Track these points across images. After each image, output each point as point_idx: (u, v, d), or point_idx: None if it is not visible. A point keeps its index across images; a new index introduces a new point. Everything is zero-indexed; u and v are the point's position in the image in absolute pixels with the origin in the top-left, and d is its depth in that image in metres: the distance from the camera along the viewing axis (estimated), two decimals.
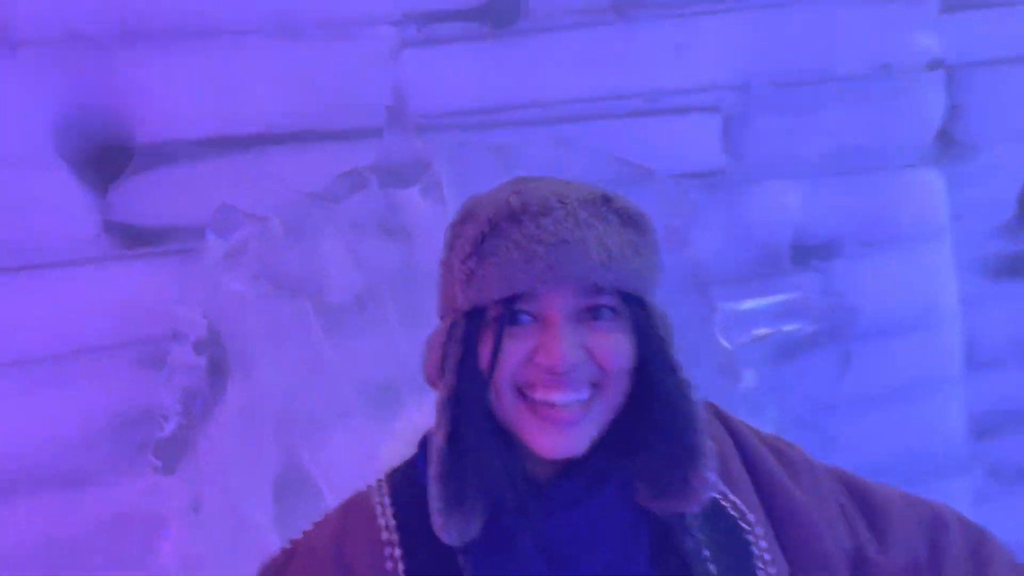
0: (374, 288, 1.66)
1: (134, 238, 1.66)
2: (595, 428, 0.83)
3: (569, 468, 0.84)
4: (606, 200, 0.82)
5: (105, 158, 1.66)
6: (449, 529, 0.81)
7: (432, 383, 0.89)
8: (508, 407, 0.83)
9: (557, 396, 0.80)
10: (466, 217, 0.85)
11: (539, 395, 0.81)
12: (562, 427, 0.81)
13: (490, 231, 0.80)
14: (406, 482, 0.91)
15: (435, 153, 1.72)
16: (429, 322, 0.92)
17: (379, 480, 0.95)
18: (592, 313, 0.82)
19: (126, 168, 1.67)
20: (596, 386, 0.82)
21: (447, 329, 0.86)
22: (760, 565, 0.86)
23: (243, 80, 1.68)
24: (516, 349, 0.81)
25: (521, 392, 0.82)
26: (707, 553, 0.84)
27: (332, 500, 1.63)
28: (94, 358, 1.62)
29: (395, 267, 1.66)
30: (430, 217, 1.66)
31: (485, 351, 0.82)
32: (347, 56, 1.71)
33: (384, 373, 1.66)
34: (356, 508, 0.92)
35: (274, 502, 1.62)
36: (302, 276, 1.63)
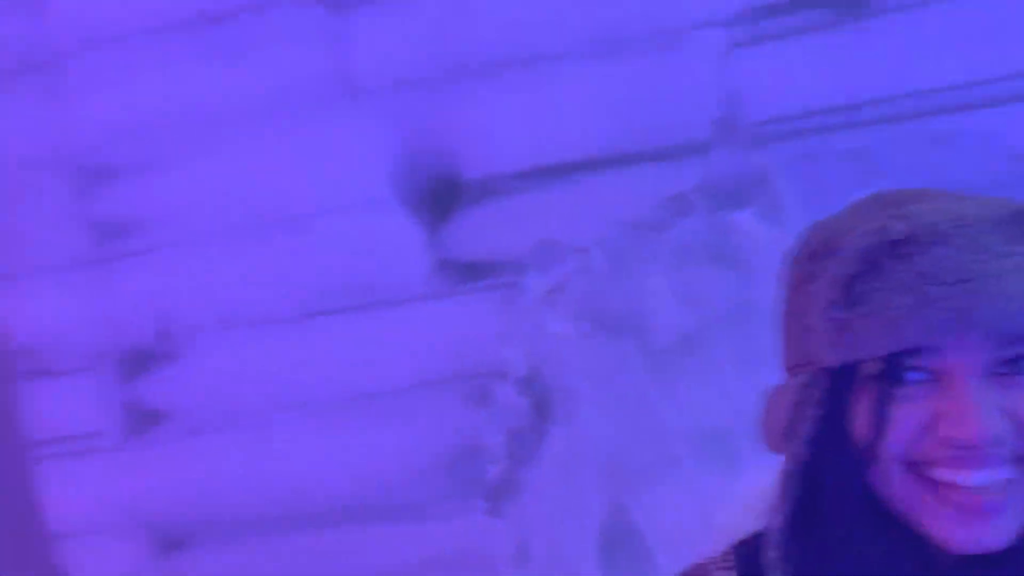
0: (704, 326, 1.48)
1: (463, 274, 1.67)
2: (1021, 514, 0.64)
3: (985, 561, 0.65)
4: (1022, 216, 0.63)
5: (436, 196, 1.69)
6: None
7: (775, 450, 0.73)
8: (896, 487, 0.65)
9: (970, 478, 0.62)
10: (822, 251, 0.67)
11: (943, 475, 0.63)
12: (977, 515, 0.63)
13: (864, 270, 0.62)
14: (756, 561, 0.73)
15: (774, 167, 1.49)
16: (768, 365, 0.75)
17: (725, 552, 0.80)
18: (1011, 366, 0.63)
19: (456, 205, 1.68)
20: (1021, 460, 0.63)
21: (799, 388, 0.68)
22: None
23: (562, 106, 1.60)
24: (907, 416, 0.63)
25: (914, 467, 0.65)
26: None
27: (662, 558, 1.50)
28: (426, 394, 1.65)
29: (728, 302, 1.47)
30: (769, 243, 1.44)
31: (861, 418, 0.64)
32: (670, 67, 1.55)
33: (717, 421, 1.48)
34: None
35: (600, 555, 1.52)
36: (625, 314, 1.51)
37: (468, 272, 1.67)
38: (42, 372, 1.88)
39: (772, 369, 0.72)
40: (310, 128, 1.68)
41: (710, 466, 1.46)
